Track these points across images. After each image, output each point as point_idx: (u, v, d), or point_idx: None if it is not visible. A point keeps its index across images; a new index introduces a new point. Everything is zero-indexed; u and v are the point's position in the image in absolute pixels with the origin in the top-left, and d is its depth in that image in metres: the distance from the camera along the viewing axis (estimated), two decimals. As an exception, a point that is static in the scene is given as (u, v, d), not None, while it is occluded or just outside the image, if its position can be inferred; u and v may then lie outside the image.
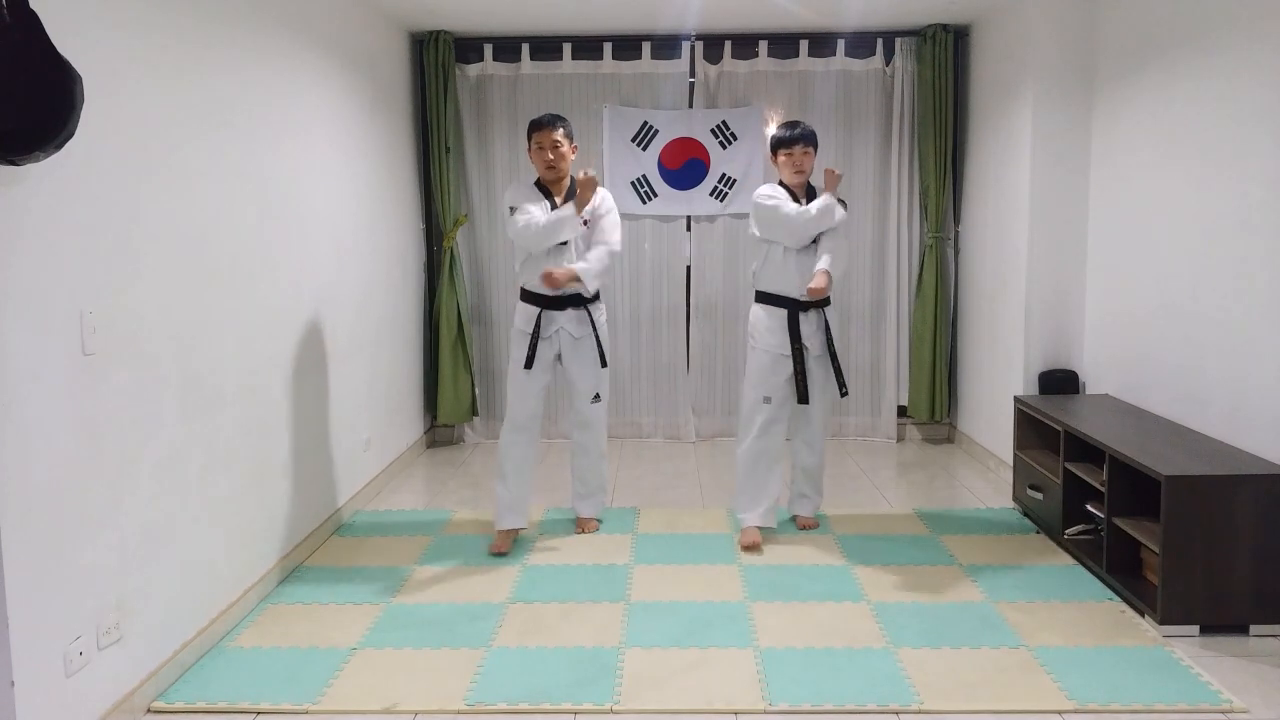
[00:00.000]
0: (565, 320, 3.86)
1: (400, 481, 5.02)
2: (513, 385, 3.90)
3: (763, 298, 3.92)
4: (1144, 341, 3.99)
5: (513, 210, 3.78)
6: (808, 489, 4.15)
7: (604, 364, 3.96)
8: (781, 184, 3.92)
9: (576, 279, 3.76)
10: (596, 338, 3.91)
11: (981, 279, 5.30)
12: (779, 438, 3.97)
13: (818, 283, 3.71)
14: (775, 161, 3.92)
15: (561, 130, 3.79)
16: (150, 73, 2.71)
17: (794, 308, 3.85)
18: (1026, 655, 2.91)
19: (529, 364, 3.81)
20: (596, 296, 3.94)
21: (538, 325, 3.83)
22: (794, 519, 4.18)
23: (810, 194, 3.90)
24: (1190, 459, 3.17)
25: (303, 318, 3.82)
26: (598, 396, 4.00)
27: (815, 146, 3.87)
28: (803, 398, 3.87)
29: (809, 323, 3.89)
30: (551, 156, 3.77)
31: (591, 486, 4.16)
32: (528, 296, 3.88)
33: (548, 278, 3.68)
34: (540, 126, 3.79)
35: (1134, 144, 4.07)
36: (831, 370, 3.97)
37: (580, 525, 4.14)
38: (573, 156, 3.85)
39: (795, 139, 3.83)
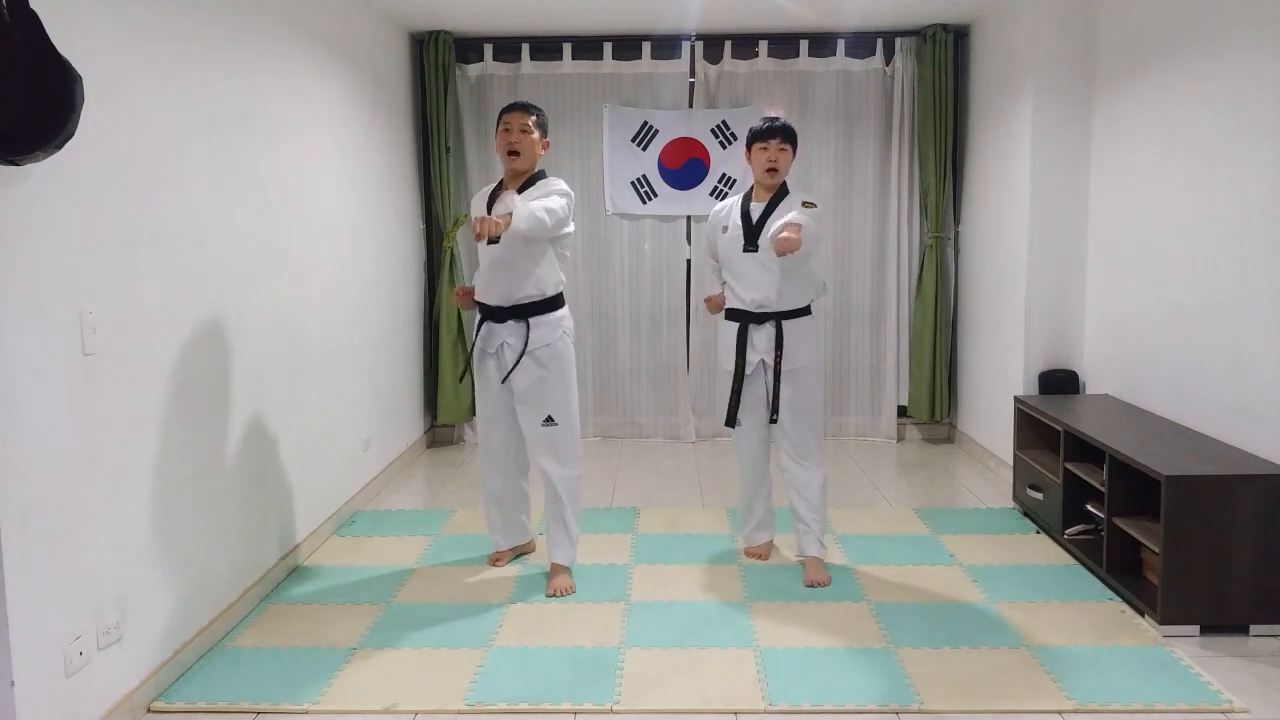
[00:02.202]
0: (506, 334, 3.41)
1: (400, 481, 5.02)
2: (478, 406, 3.59)
3: (726, 313, 3.62)
4: (1144, 341, 3.98)
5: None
6: (805, 513, 3.58)
7: (511, 374, 3.39)
8: (747, 193, 3.60)
9: (509, 222, 3.09)
10: (536, 358, 3.39)
11: (981, 279, 5.30)
12: (759, 457, 3.68)
13: (785, 236, 3.19)
14: (749, 158, 3.57)
15: (534, 118, 3.44)
16: (150, 73, 2.71)
17: (745, 320, 3.53)
18: (1026, 655, 2.91)
19: (462, 376, 3.51)
20: (552, 307, 3.43)
21: (478, 336, 3.47)
22: (802, 562, 3.64)
23: (776, 196, 3.52)
24: (1190, 459, 3.17)
25: (303, 317, 3.81)
26: (550, 419, 3.45)
27: (794, 145, 3.53)
28: (729, 421, 3.58)
29: (762, 336, 3.51)
30: (515, 139, 3.38)
31: (553, 529, 3.53)
32: (479, 304, 3.50)
33: (480, 222, 3.01)
34: (512, 108, 3.45)
35: (1134, 144, 4.07)
36: (801, 384, 3.52)
37: (549, 579, 3.49)
38: (543, 152, 3.47)
39: (771, 132, 3.49)
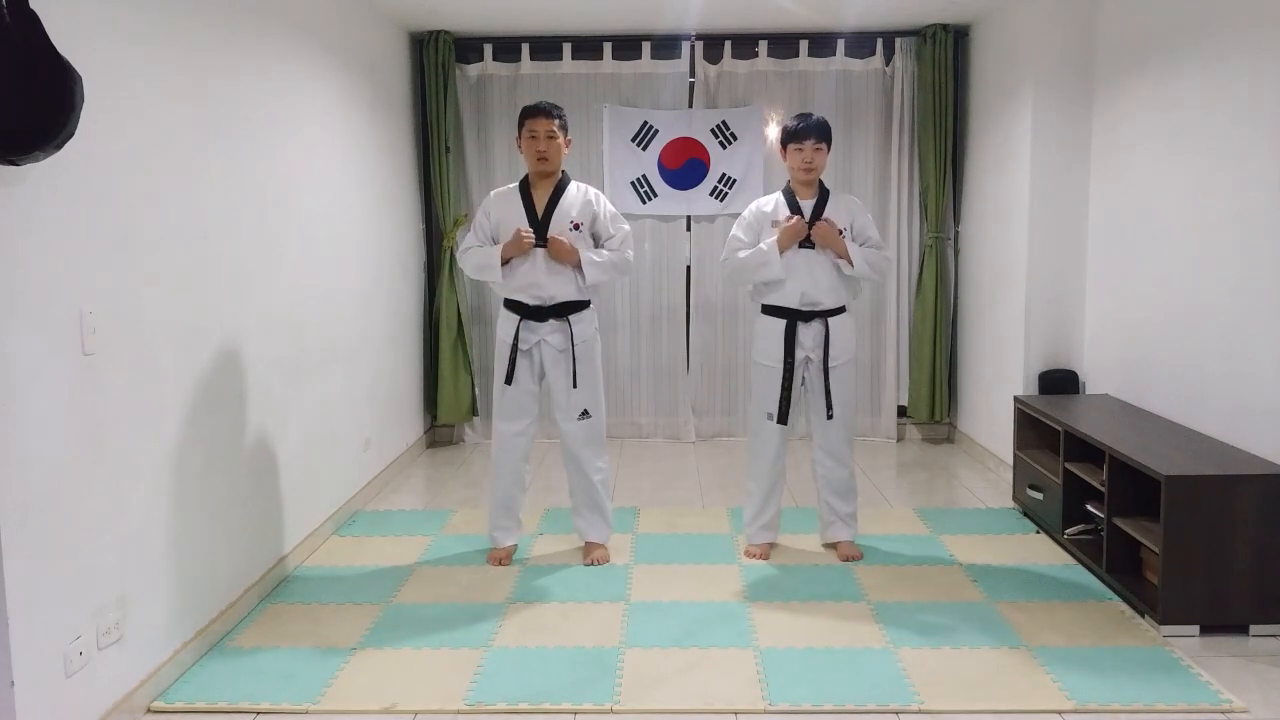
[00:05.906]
0: (547, 332, 3.58)
1: (400, 481, 5.02)
2: (495, 401, 3.69)
3: (764, 309, 3.68)
4: (1144, 341, 3.98)
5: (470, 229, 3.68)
6: (839, 505, 3.76)
7: (575, 384, 3.60)
8: (786, 189, 3.65)
9: (578, 263, 3.51)
10: (574, 355, 3.59)
11: (981, 279, 5.30)
12: (781, 454, 3.73)
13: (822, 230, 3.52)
14: (784, 156, 3.62)
15: (558, 121, 3.53)
16: (150, 73, 2.71)
17: (793, 318, 3.61)
18: (1026, 655, 2.91)
19: (508, 379, 3.58)
20: (586, 305, 3.65)
21: (516, 337, 3.58)
22: (834, 547, 3.82)
23: (822, 195, 3.62)
24: (1190, 459, 3.17)
25: (303, 317, 3.81)
26: (585, 413, 3.66)
27: (829, 142, 3.57)
28: (782, 418, 3.62)
29: (809, 334, 3.62)
30: (544, 147, 3.50)
31: (587, 514, 3.78)
32: (509, 304, 3.62)
33: (555, 243, 3.45)
34: (535, 113, 3.52)
35: (1134, 143, 4.07)
36: (843, 380, 3.66)
37: (586, 552, 3.76)
38: (567, 151, 3.59)
39: (807, 131, 3.52)
